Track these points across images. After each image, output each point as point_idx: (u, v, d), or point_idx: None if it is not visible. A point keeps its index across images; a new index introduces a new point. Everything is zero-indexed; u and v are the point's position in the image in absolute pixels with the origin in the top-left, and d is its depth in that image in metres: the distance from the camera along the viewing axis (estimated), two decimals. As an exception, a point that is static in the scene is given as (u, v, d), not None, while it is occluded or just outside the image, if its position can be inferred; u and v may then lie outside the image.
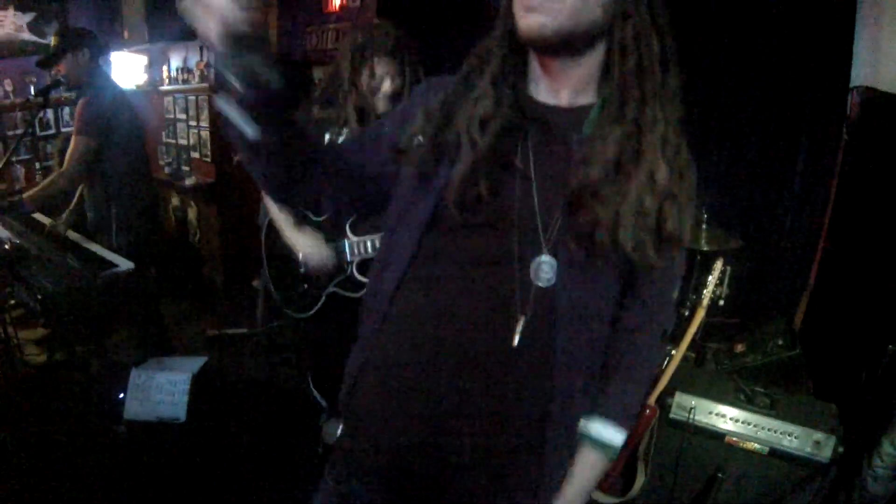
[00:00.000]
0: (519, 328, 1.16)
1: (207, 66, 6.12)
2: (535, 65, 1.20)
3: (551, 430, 1.22)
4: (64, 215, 3.68)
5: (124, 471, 2.88)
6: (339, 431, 1.38)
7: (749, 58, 3.66)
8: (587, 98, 1.20)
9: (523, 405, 1.20)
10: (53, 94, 3.49)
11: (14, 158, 6.20)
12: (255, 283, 4.76)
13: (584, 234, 1.13)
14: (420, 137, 1.22)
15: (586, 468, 1.30)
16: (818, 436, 2.45)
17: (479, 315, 1.18)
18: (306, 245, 2.59)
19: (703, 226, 3.21)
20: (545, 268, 1.17)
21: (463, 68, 1.25)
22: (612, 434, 1.29)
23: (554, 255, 1.17)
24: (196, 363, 3.08)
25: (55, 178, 3.36)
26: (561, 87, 1.19)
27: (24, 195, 3.36)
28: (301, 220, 2.61)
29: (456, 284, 1.20)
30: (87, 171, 3.39)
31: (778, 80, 3.60)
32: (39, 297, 2.86)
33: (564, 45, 1.12)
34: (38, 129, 6.69)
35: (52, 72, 3.37)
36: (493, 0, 1.23)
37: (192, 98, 6.36)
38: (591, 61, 1.17)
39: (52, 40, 3.44)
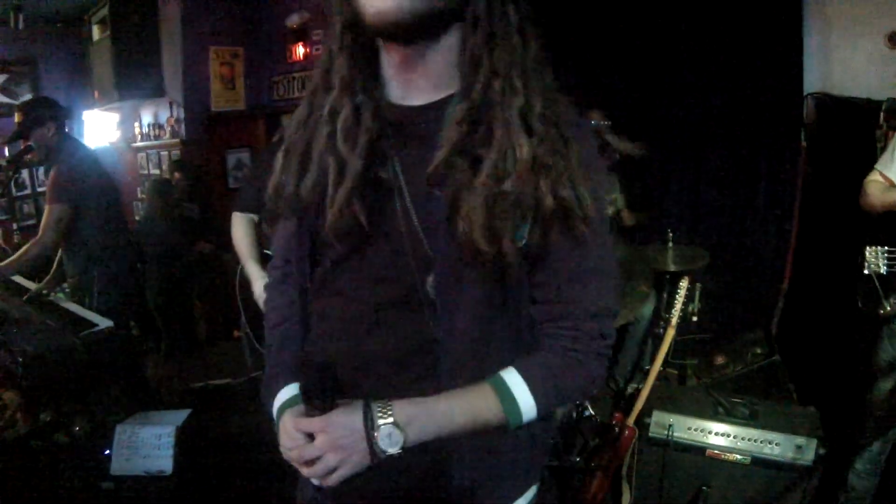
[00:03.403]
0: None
1: (177, 121, 6.20)
2: (386, 63, 1.07)
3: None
4: (45, 281, 3.69)
5: (113, 526, 2.88)
6: None
7: (703, 76, 3.75)
8: (449, 89, 1.05)
9: None
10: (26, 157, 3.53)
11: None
12: (237, 333, 4.79)
13: (452, 236, 1.02)
14: (287, 179, 1.11)
15: (471, 396, 1.08)
16: (799, 440, 2.48)
17: (397, 355, 1.13)
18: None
19: (670, 244, 3.26)
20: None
21: (308, 86, 1.12)
22: (524, 394, 1.07)
23: None
24: (180, 416, 3.07)
25: (29, 246, 3.39)
26: (418, 82, 1.06)
27: (1, 265, 3.37)
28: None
29: (365, 324, 1.13)
30: (61, 238, 3.41)
31: (733, 95, 3.70)
32: (21, 360, 2.86)
33: (419, 29, 0.98)
34: (13, 190, 6.73)
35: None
36: None
37: (164, 153, 6.44)
38: (448, 46, 1.03)
39: (16, 116, 3.47)
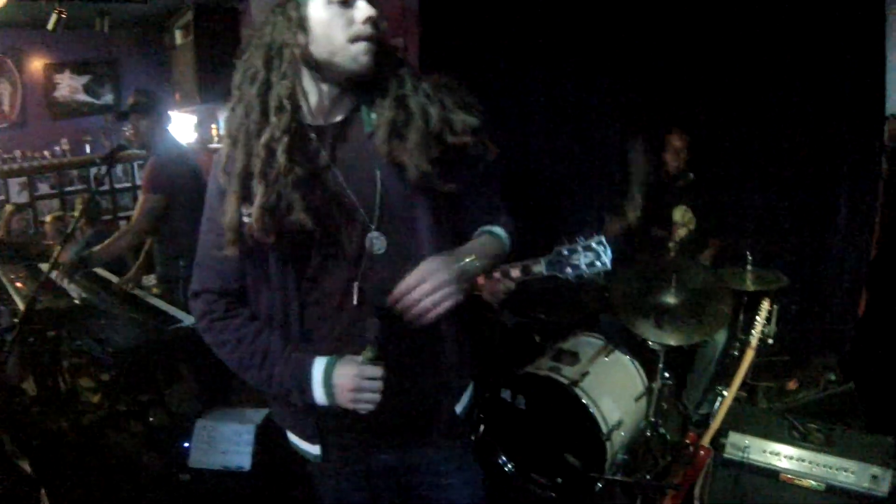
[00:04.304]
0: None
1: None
2: (323, 94, 1.45)
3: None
4: (131, 273, 3.84)
5: (189, 517, 2.99)
6: None
7: (783, 96, 3.71)
8: (352, 105, 1.49)
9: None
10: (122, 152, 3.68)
11: (73, 213, 6.47)
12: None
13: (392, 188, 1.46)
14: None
15: (482, 240, 1.59)
16: (875, 470, 2.42)
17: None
18: None
19: (748, 267, 3.23)
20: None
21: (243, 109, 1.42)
22: (503, 233, 1.63)
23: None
24: (260, 414, 3.14)
25: (122, 233, 3.54)
26: (343, 106, 1.49)
27: (93, 250, 3.51)
28: None
29: (351, 291, 1.48)
30: (153, 227, 3.56)
31: (813, 116, 3.64)
32: (111, 350, 2.97)
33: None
34: (93, 187, 7.00)
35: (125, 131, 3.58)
36: None
37: (240, 155, 6.59)
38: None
39: (129, 99, 3.67)
